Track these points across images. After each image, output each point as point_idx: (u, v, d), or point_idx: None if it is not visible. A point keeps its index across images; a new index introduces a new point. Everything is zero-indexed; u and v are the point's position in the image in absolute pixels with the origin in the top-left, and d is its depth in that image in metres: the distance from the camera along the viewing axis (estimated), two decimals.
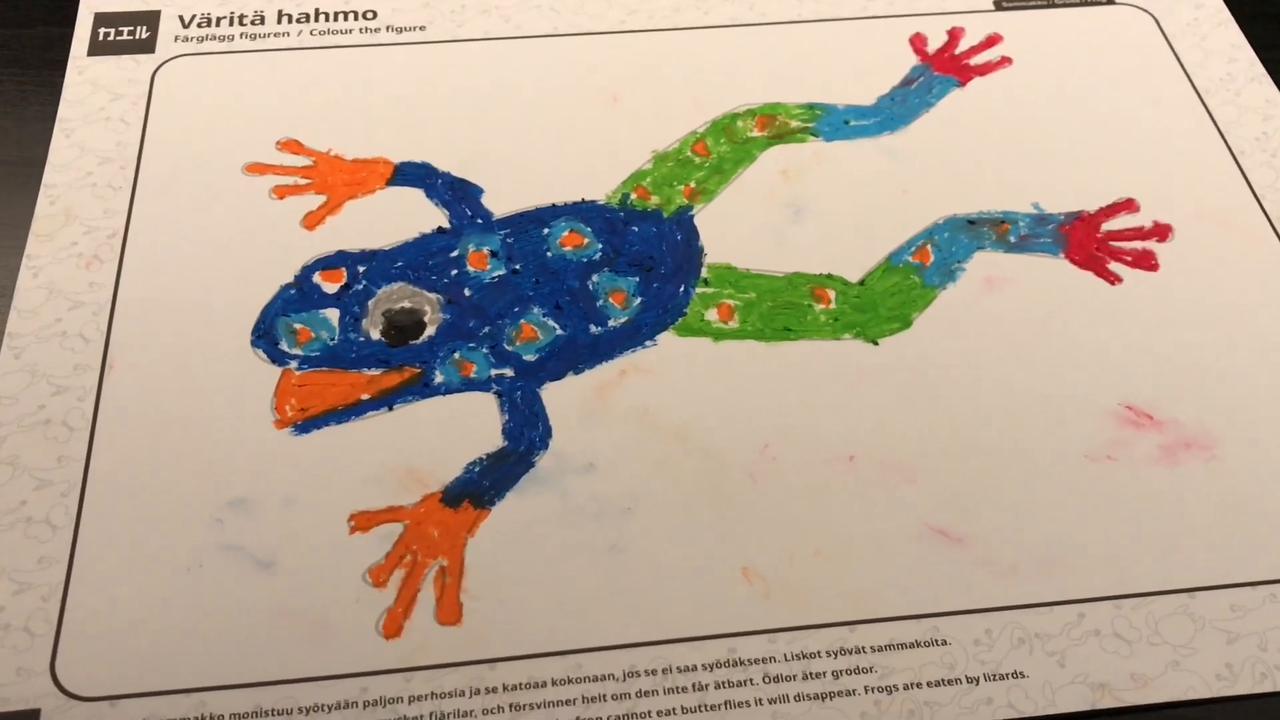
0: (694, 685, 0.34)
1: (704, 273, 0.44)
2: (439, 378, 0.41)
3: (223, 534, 0.37)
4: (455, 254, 0.44)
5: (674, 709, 0.34)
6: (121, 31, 0.50)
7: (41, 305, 0.42)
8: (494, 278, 0.43)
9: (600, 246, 0.44)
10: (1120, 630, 0.36)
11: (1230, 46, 0.51)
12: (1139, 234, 0.45)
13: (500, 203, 0.45)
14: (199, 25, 0.50)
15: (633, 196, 0.45)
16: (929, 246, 0.44)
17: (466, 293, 0.43)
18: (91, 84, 0.48)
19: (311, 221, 0.44)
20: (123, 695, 0.34)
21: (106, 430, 0.39)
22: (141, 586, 0.36)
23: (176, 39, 0.50)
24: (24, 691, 0.34)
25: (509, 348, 0.41)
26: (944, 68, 0.50)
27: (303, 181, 0.46)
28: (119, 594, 0.36)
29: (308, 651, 0.35)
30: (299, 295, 0.42)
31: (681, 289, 0.43)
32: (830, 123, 0.48)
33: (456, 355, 0.41)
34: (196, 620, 0.35)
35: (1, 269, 0.43)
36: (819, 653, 0.35)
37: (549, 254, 0.44)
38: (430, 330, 0.42)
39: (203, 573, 0.36)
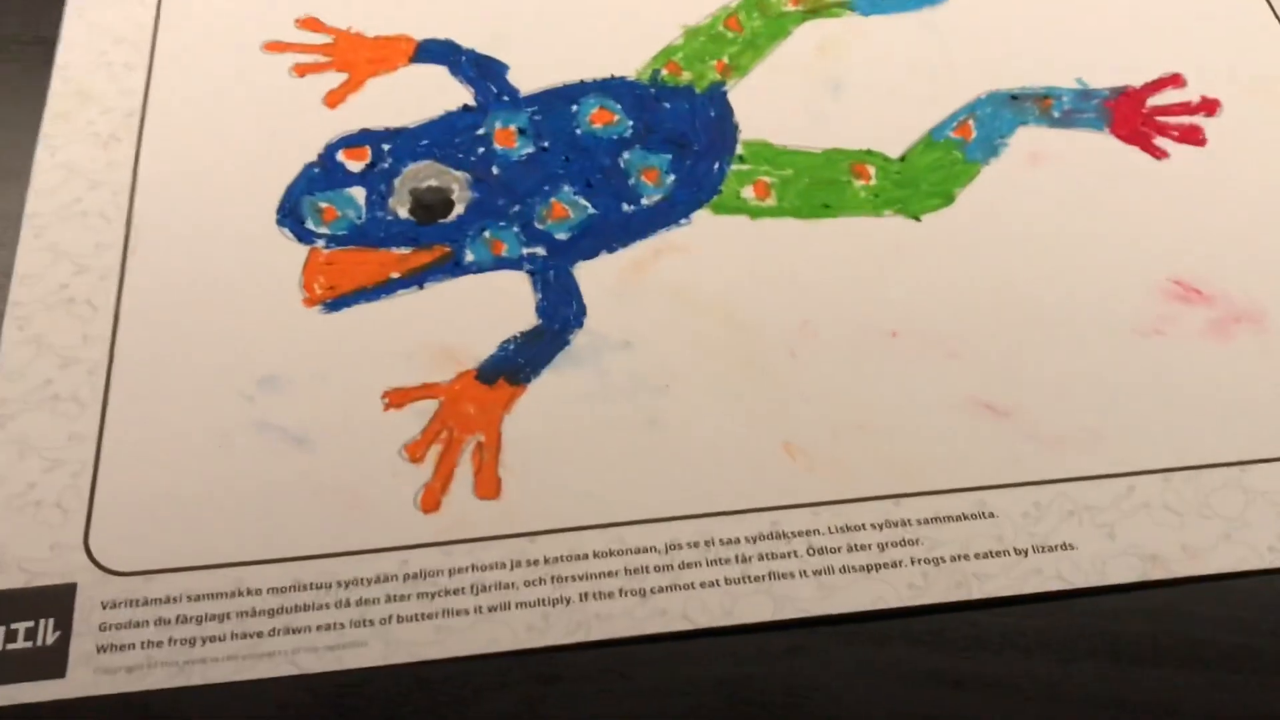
0: (737, 557, 0.34)
1: (739, 150, 0.42)
2: (470, 256, 0.40)
3: (254, 410, 0.36)
4: (482, 132, 0.42)
5: (718, 580, 0.34)
6: None
7: (60, 185, 0.41)
8: (523, 155, 0.42)
9: (631, 123, 0.43)
10: (1170, 503, 0.35)
11: None
12: (1186, 109, 0.44)
13: (527, 80, 0.44)
14: None
15: (664, 72, 0.44)
16: (971, 122, 0.43)
17: (495, 171, 0.41)
18: None
19: (333, 100, 0.43)
20: (159, 570, 0.33)
21: (131, 309, 0.38)
22: (173, 463, 0.35)
23: None
24: (59, 566, 0.33)
25: (540, 226, 0.40)
26: None
27: (323, 59, 0.44)
28: (151, 470, 0.35)
29: (345, 526, 0.34)
30: (323, 174, 0.41)
31: (716, 166, 0.42)
32: None
33: (487, 234, 0.40)
34: (231, 496, 0.35)
35: (18, 149, 0.42)
36: (864, 525, 0.35)
37: (578, 131, 0.43)
38: (459, 209, 0.41)
39: (235, 449, 0.35)
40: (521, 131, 0.42)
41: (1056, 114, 0.43)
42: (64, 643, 0.32)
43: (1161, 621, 0.34)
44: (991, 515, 0.35)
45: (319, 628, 0.33)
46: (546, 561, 0.34)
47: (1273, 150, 0.43)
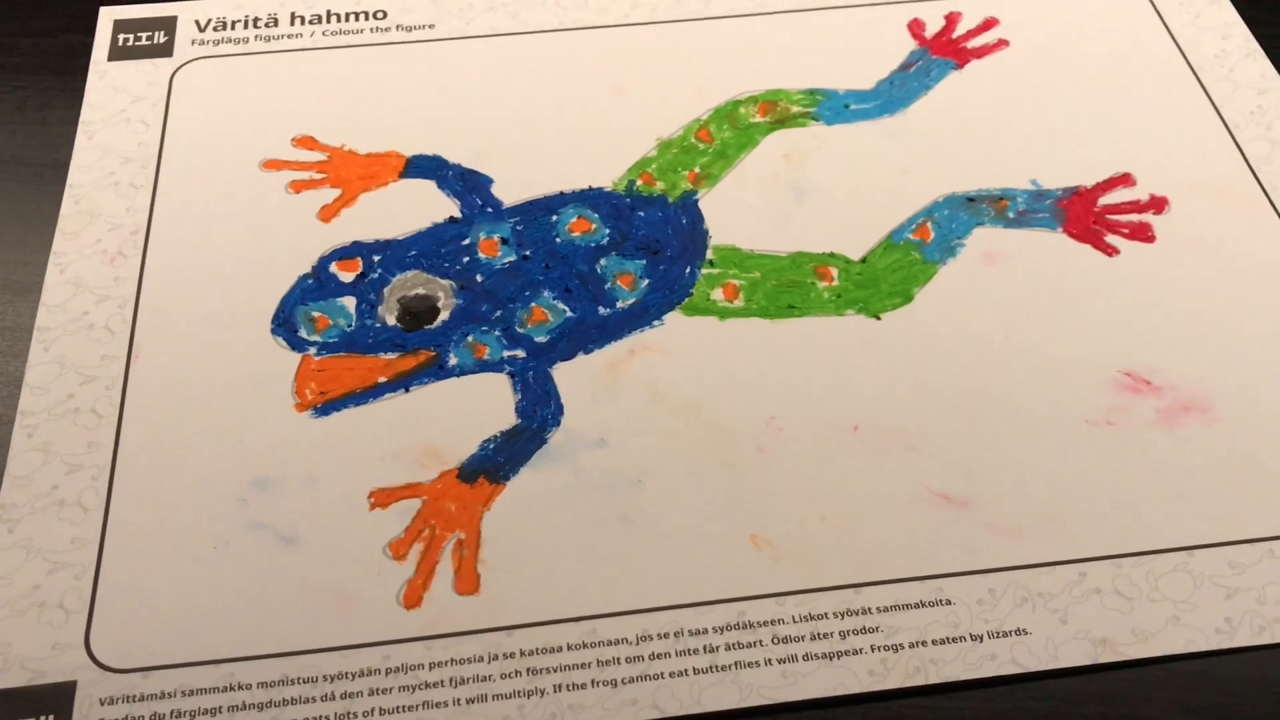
0: (705, 647, 0.36)
1: (709, 254, 0.45)
2: (453, 360, 0.42)
3: (247, 513, 0.38)
4: (467, 242, 0.45)
5: (686, 670, 0.35)
6: (140, 37, 0.51)
7: (69, 300, 0.43)
8: (505, 264, 0.44)
9: (608, 231, 0.45)
10: (1121, 588, 0.37)
11: (1224, 24, 0.52)
12: (1135, 207, 0.46)
13: (510, 192, 0.46)
14: (215, 29, 0.52)
15: (638, 183, 0.47)
16: (929, 224, 0.45)
17: (478, 279, 0.44)
18: (112, 88, 0.50)
19: (327, 214, 0.46)
20: (154, 667, 0.35)
21: (134, 417, 0.40)
22: (170, 564, 0.37)
23: (193, 43, 0.51)
24: (60, 665, 0.35)
25: (520, 330, 0.43)
26: (942, 51, 0.51)
27: (318, 176, 0.47)
28: (149, 572, 0.37)
29: (331, 623, 0.36)
30: (316, 285, 0.44)
31: (687, 270, 0.44)
32: (831, 107, 0.49)
33: (470, 338, 0.42)
34: (224, 595, 0.37)
35: (30, 266, 0.44)
36: (826, 614, 0.36)
37: (558, 240, 0.45)
38: (444, 315, 0.43)
39: (229, 550, 0.37)
40: (504, 241, 0.45)
41: (1011, 214, 0.46)
42: None
43: (1113, 704, 0.35)
44: (948, 602, 0.36)
45: None
46: (523, 654, 0.35)
47: (1219, 246, 0.45)
